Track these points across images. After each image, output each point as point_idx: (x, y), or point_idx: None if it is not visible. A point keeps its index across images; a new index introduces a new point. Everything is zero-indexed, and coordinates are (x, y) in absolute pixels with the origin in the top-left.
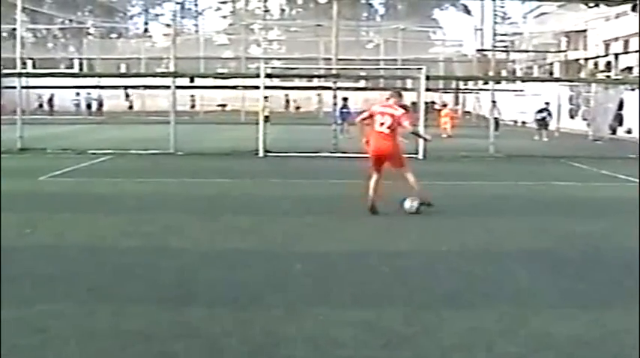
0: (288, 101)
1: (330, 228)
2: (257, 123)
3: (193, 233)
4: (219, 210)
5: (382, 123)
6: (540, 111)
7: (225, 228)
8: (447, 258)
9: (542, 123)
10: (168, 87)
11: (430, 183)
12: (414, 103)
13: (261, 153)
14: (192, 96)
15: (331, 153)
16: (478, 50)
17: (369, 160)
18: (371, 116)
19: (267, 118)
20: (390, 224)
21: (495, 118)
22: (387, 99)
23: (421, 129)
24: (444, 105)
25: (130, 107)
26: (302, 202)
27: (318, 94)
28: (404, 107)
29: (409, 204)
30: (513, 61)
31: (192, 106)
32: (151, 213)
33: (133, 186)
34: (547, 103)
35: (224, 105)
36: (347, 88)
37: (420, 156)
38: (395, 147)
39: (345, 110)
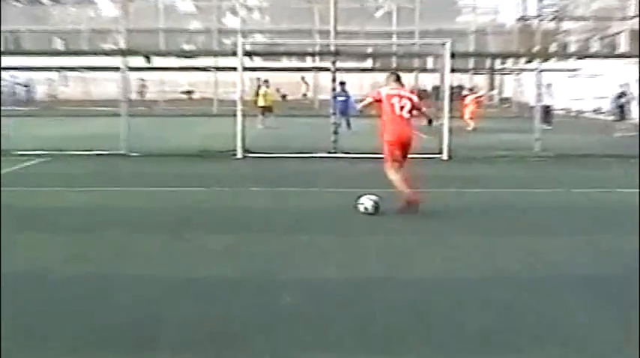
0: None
1: (328, 250)
2: (234, 115)
3: (154, 257)
4: (187, 227)
5: (402, 107)
6: (619, 96)
7: (195, 250)
8: (479, 287)
9: (621, 113)
10: (117, 68)
11: (456, 190)
12: (436, 88)
13: (239, 154)
14: (142, 80)
15: (330, 153)
16: (519, 19)
17: (388, 151)
18: (379, 101)
19: (268, 109)
20: (405, 244)
21: (546, 107)
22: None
23: (446, 124)
24: (471, 90)
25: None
26: (292, 217)
27: (303, 79)
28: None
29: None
30: (565, 32)
31: (141, 93)
32: (99, 231)
33: (74, 197)
34: (625, 85)
35: (191, 92)
36: (349, 70)
37: (445, 155)
38: (413, 135)
39: (341, 98)
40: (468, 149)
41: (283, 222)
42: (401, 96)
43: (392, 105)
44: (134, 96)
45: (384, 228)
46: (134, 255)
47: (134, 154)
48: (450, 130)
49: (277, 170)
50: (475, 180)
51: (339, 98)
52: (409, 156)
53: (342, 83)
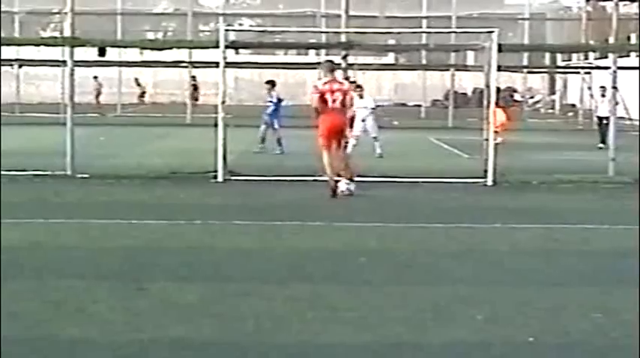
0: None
1: (335, 305)
2: (215, 126)
3: (101, 313)
4: (147, 273)
5: (334, 100)
6: None
7: (157, 304)
8: (535, 355)
9: None
10: (62, 62)
11: (502, 225)
12: (478, 91)
13: (220, 176)
14: (95, 79)
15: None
16: (590, 0)
17: (321, 141)
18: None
19: None
20: (436, 297)
21: (600, 119)
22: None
23: (491, 139)
24: (511, 96)
25: None
26: (288, 260)
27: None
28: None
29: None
30: None
31: (96, 96)
32: (30, 278)
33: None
34: None
35: (143, 95)
36: (366, 66)
37: (489, 180)
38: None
39: (268, 104)
40: (519, 172)
41: (275, 268)
42: (333, 91)
43: (325, 99)
44: (84, 98)
45: (407, 276)
46: (77, 310)
47: (82, 176)
48: (496, 148)
49: (269, 198)
50: (527, 212)
51: (271, 102)
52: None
53: (271, 82)
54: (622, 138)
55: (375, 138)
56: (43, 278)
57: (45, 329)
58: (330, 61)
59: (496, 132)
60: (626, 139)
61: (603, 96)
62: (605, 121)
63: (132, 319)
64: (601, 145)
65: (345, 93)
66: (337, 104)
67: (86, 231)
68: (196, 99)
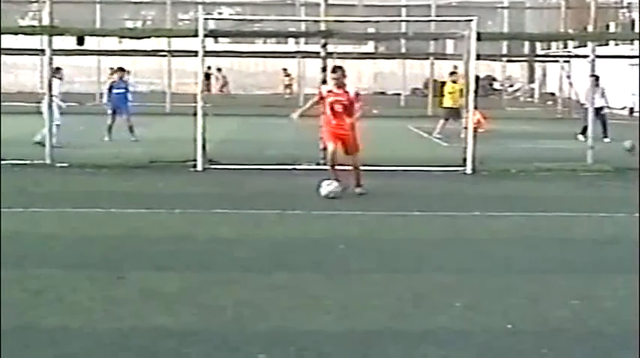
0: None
1: (316, 293)
2: (194, 114)
3: (81, 302)
4: (127, 262)
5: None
6: None
7: (137, 293)
8: (514, 342)
9: None
10: (40, 51)
11: (481, 213)
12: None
13: (199, 165)
14: (219, 70)
15: (318, 164)
16: None
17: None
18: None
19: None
20: (415, 286)
21: (598, 109)
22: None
23: (470, 127)
24: (490, 84)
25: None
26: (268, 248)
27: (278, 68)
28: None
29: (330, 186)
30: (629, 7)
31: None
32: (9, 268)
33: None
34: None
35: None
36: (345, 55)
37: (468, 168)
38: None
39: (119, 90)
40: (498, 160)
41: (255, 256)
42: (334, 101)
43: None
44: (63, 87)
45: (388, 264)
46: (56, 299)
47: (61, 165)
48: (475, 136)
49: (249, 186)
50: (506, 200)
51: (116, 90)
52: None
53: (122, 70)
54: (600, 126)
55: None
56: (22, 268)
57: (25, 318)
58: (337, 67)
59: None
60: (611, 128)
61: (597, 86)
62: (601, 112)
63: (112, 308)
64: (607, 140)
65: (349, 102)
66: (339, 112)
67: (66, 220)
68: (209, 91)
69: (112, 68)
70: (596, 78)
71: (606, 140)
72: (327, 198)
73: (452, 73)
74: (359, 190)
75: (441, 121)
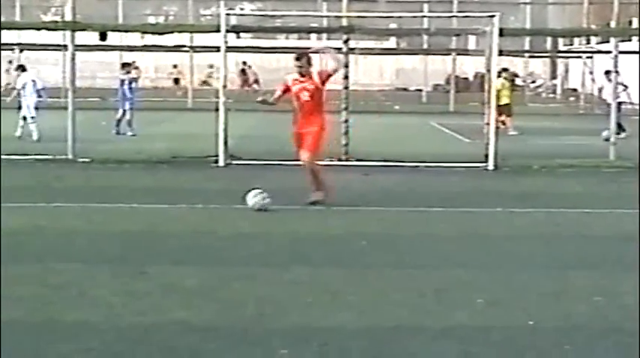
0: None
1: (336, 288)
2: (216, 110)
3: (103, 297)
4: (148, 257)
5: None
6: None
7: (158, 288)
8: (535, 338)
9: None
10: (63, 47)
11: (503, 210)
12: (480, 76)
13: (221, 161)
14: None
15: (340, 160)
16: None
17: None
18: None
19: None
20: (435, 282)
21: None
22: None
23: (492, 123)
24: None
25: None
26: (289, 244)
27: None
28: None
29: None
30: None
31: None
32: (32, 262)
33: (1, 217)
34: None
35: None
36: (367, 50)
37: (490, 164)
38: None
39: (132, 85)
40: (520, 156)
41: (276, 252)
42: (299, 90)
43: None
44: (84, 82)
45: (409, 260)
46: (78, 294)
47: (83, 160)
48: (497, 132)
49: (270, 182)
50: (528, 197)
51: (132, 85)
52: None
53: (127, 64)
54: (624, 122)
55: None
56: (45, 262)
57: (47, 312)
58: (301, 55)
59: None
60: (628, 124)
61: (610, 81)
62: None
63: (133, 302)
64: (622, 135)
65: (315, 88)
66: (305, 103)
67: (88, 215)
68: (246, 86)
69: (128, 64)
70: (608, 72)
71: (621, 135)
72: (254, 210)
73: (504, 69)
74: (316, 196)
75: (508, 119)
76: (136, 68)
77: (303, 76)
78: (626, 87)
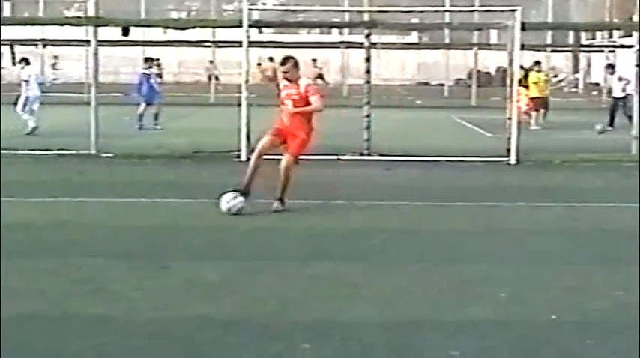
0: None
1: (357, 283)
2: (238, 105)
3: (124, 291)
4: (170, 252)
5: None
6: None
7: (180, 282)
8: (557, 333)
9: None
10: (86, 42)
11: (525, 204)
12: (502, 71)
13: (244, 156)
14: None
15: (362, 154)
16: None
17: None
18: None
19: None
20: (456, 276)
21: (616, 99)
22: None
23: (514, 117)
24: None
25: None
26: (309, 239)
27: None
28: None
29: (230, 203)
30: None
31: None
32: (54, 256)
33: (23, 212)
34: None
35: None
36: (389, 45)
37: (512, 159)
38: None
39: (151, 81)
40: (542, 151)
41: (296, 246)
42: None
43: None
44: (107, 78)
45: (429, 255)
46: (100, 289)
47: (106, 155)
48: (519, 126)
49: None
50: (550, 191)
51: (151, 81)
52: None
53: (150, 59)
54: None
55: None
56: (67, 257)
57: (69, 306)
58: (286, 58)
59: (527, 114)
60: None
61: (612, 74)
62: (620, 102)
63: (154, 297)
64: (609, 128)
65: (299, 97)
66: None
67: (110, 210)
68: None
69: (151, 59)
70: (611, 66)
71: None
72: (230, 213)
73: (536, 63)
74: (276, 205)
75: (533, 113)
76: (158, 65)
77: (289, 81)
78: (628, 81)
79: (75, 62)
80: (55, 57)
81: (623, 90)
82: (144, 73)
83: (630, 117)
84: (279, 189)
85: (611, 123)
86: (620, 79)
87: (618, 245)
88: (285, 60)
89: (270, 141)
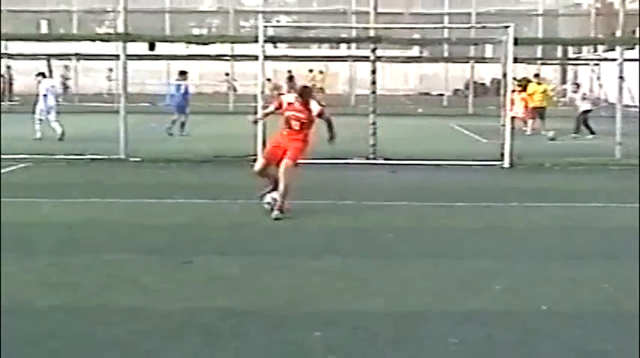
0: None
1: (366, 277)
2: (254, 113)
3: (151, 284)
4: (193, 248)
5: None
6: None
7: (202, 276)
8: (550, 322)
9: None
10: (115, 56)
11: (518, 204)
12: (497, 82)
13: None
14: (110, 71)
15: (368, 159)
16: None
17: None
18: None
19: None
20: (459, 270)
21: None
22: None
23: (508, 124)
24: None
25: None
26: (320, 237)
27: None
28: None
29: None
30: None
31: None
32: (87, 252)
33: (59, 212)
34: None
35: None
36: (392, 58)
37: (506, 162)
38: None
39: (184, 92)
40: (534, 155)
41: (309, 243)
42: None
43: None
44: (135, 89)
45: (433, 251)
46: (128, 281)
47: (134, 159)
48: (513, 132)
49: (303, 179)
50: (542, 192)
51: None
52: None
53: (185, 72)
54: (629, 123)
55: None
56: (99, 253)
57: (101, 298)
58: (305, 87)
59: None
60: (633, 125)
61: (576, 92)
62: (588, 114)
63: (179, 289)
64: (574, 135)
65: (309, 121)
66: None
67: (138, 210)
68: (294, 91)
69: (185, 72)
70: (577, 85)
71: (573, 135)
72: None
73: (535, 75)
74: (276, 214)
75: (530, 121)
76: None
77: (302, 104)
78: (591, 99)
79: (106, 74)
80: (66, 67)
81: (590, 104)
82: (178, 85)
83: (588, 127)
84: (280, 195)
85: (592, 132)
86: (584, 98)
87: (606, 242)
88: (306, 88)
89: (264, 164)
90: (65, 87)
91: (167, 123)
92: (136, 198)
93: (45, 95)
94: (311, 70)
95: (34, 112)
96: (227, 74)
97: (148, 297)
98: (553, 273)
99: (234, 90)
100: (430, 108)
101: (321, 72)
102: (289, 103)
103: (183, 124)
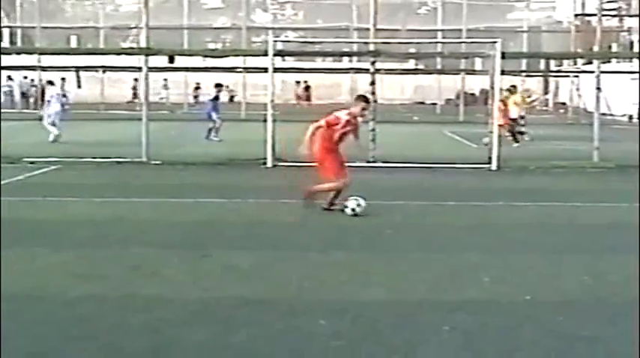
0: (308, 88)
1: (368, 269)
2: (264, 121)
3: (173, 276)
4: (210, 243)
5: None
6: None
7: (218, 268)
8: (533, 311)
9: None
10: (138, 68)
11: (505, 203)
12: (485, 92)
13: (269, 163)
14: (165, 80)
15: (368, 162)
16: (577, 15)
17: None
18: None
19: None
20: (452, 263)
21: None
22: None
23: (495, 131)
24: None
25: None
26: (327, 232)
27: (334, 81)
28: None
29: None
30: (629, 30)
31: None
32: (113, 247)
33: (87, 210)
34: None
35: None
36: (390, 70)
37: (494, 165)
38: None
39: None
40: (519, 159)
41: (316, 238)
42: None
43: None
44: (156, 97)
45: (427, 246)
46: (151, 273)
47: (155, 162)
48: (500, 138)
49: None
50: (526, 192)
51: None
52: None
53: (220, 85)
54: (605, 130)
55: None
56: (123, 247)
57: (127, 288)
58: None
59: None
60: (609, 131)
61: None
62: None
63: (198, 281)
64: (516, 145)
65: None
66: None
67: (160, 208)
68: (308, 99)
69: (220, 84)
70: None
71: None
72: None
73: (512, 86)
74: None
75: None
76: (198, 88)
77: (355, 117)
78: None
79: (128, 84)
80: (63, 79)
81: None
82: (216, 96)
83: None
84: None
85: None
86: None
87: (586, 237)
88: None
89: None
90: (64, 96)
91: (189, 129)
92: (158, 197)
93: (49, 101)
94: (298, 82)
95: (41, 119)
96: (227, 86)
97: (170, 287)
98: (536, 266)
99: (232, 99)
100: (424, 116)
101: (306, 82)
102: (347, 121)
103: (217, 130)
